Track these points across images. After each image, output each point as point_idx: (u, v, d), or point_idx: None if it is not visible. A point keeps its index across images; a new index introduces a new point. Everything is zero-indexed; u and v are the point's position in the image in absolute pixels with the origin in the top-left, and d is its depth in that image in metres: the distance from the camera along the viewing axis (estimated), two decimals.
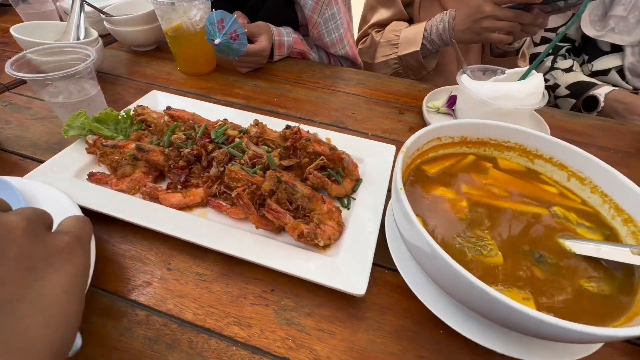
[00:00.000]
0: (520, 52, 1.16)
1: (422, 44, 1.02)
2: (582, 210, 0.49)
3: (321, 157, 0.55)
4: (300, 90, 0.90)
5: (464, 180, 0.53)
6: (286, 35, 0.98)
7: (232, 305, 0.45)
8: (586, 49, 1.26)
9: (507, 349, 0.40)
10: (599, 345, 0.41)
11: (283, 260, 0.47)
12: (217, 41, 0.82)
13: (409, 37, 1.05)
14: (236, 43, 0.84)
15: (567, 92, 1.22)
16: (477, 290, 0.32)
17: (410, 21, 1.16)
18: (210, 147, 0.56)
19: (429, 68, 1.09)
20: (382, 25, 1.19)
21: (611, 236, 0.45)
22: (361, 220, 0.54)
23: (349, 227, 0.53)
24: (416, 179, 0.52)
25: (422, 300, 0.44)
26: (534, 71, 0.71)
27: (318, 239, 0.48)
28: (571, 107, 1.22)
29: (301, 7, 0.96)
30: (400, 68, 1.14)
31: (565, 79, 1.23)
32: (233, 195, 0.49)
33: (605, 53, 1.22)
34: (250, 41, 0.92)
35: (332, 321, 0.44)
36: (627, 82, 1.21)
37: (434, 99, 0.84)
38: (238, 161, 0.54)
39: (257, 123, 0.61)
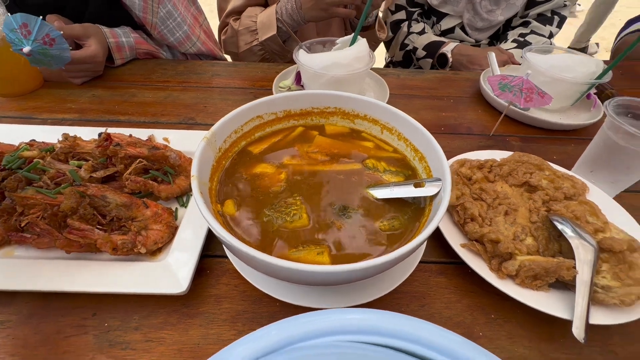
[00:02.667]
0: (377, 23, 1.23)
1: (277, 26, 1.02)
2: (393, 158, 0.54)
3: (139, 160, 0.51)
4: (147, 92, 0.83)
5: (289, 153, 0.54)
6: (124, 36, 0.89)
7: (42, 346, 0.40)
8: (433, 11, 1.39)
9: (335, 303, 0.42)
10: (409, 273, 0.45)
11: (98, 279, 0.43)
12: (26, 49, 0.71)
13: (264, 21, 1.04)
14: (54, 49, 0.74)
15: (424, 53, 1.34)
16: (253, 258, 0.33)
17: (266, 5, 1.15)
18: (1, 175, 0.48)
19: (292, 50, 1.10)
20: (238, 12, 1.15)
21: (412, 175, 0.50)
22: (195, 216, 0.52)
23: (184, 225, 0.51)
24: (238, 162, 0.51)
25: (249, 281, 0.44)
26: (359, 36, 0.75)
27: (138, 247, 0.45)
28: (430, 66, 1.34)
29: (130, 8, 0.88)
30: (266, 54, 1.12)
31: (420, 42, 1.35)
32: (23, 224, 0.43)
33: (448, 13, 1.35)
34: (79, 46, 0.82)
35: (163, 327, 0.42)
36: (470, 37, 1.37)
37: (285, 79, 0.85)
38: (36, 184, 0.48)
39: (66, 137, 0.54)
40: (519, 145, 0.74)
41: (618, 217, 0.54)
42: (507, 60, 1.13)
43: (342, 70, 0.70)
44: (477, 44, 1.39)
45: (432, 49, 1.31)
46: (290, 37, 1.08)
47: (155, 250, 0.48)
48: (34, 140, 0.58)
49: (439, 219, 0.36)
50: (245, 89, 0.87)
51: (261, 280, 0.44)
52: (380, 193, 0.46)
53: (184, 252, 0.46)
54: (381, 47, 1.52)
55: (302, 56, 0.74)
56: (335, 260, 0.38)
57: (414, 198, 0.46)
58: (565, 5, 1.30)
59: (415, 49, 1.36)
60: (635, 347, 0.42)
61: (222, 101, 0.82)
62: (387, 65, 1.62)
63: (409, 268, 0.45)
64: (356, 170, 0.51)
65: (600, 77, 0.72)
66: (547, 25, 1.30)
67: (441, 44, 1.30)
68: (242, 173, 0.49)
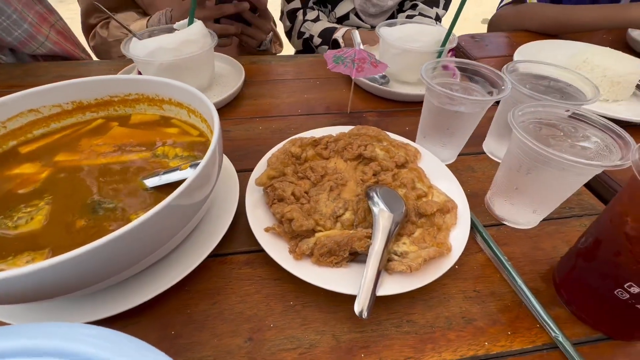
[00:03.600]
0: (274, 37, 1.18)
1: None
2: (197, 142, 0.48)
3: None
4: None
5: (70, 149, 0.46)
6: None
7: None
8: None
9: (103, 308, 0.36)
10: (189, 270, 0.39)
11: None
12: None
13: None
14: None
15: (320, 40, 1.31)
16: None
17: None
18: None
19: None
20: (98, 9, 1.05)
21: None
22: None
23: None
24: None
25: None
26: (195, 19, 0.69)
27: None
28: None
29: None
30: None
31: (315, 29, 1.32)
32: None
33: (341, 0, 1.34)
34: None
35: None
36: (365, 23, 1.37)
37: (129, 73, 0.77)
38: None
39: None
40: (374, 120, 0.72)
41: (444, 181, 0.53)
42: None
43: (170, 56, 0.64)
44: (373, 29, 1.39)
45: (327, 35, 1.29)
46: None
47: None
48: None
49: (163, 204, 0.30)
50: None
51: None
52: (150, 182, 0.40)
53: None
54: None
55: (131, 45, 0.67)
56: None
57: None
58: None
59: (311, 36, 1.34)
60: (434, 312, 0.40)
61: None
62: None
63: (189, 265, 0.39)
64: (141, 160, 0.45)
65: (443, 44, 0.72)
66: (434, 7, 1.32)
67: (334, 30, 1.28)
68: None
